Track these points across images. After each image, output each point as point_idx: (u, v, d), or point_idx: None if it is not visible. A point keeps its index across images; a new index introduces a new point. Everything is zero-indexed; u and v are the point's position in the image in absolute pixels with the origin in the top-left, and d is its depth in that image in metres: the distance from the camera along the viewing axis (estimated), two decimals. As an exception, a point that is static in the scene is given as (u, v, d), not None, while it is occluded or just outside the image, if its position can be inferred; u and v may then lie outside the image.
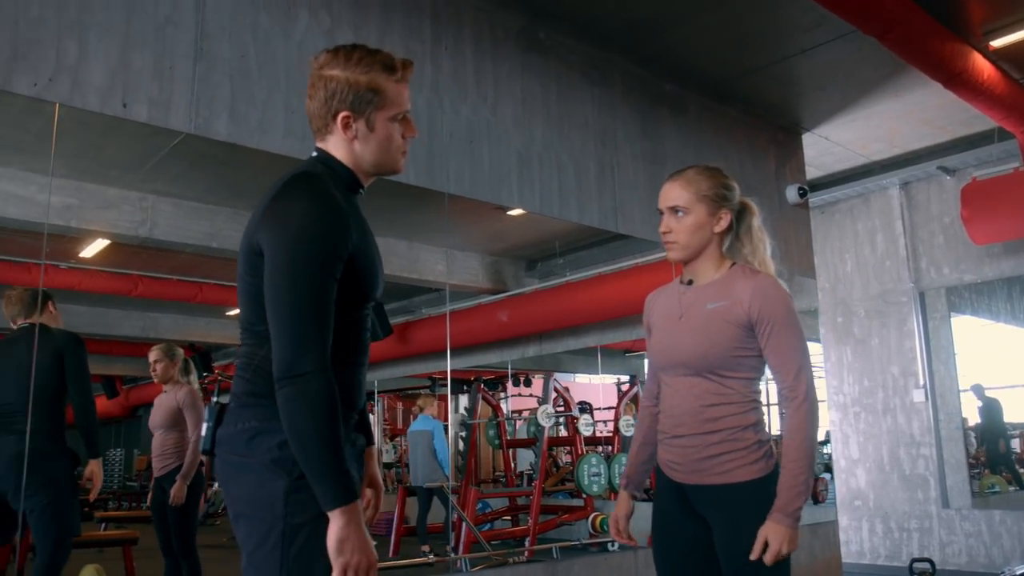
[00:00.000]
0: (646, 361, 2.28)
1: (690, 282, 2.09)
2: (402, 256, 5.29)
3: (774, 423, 2.80)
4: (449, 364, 4.22)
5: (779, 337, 1.93)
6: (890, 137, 5.75)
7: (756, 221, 2.10)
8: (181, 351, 4.63)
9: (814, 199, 6.45)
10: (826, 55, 4.45)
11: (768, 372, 2.02)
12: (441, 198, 3.60)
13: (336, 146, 1.62)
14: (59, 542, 3.37)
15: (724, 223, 2.05)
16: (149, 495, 4.66)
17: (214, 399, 4.15)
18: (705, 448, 1.96)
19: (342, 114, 1.57)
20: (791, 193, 5.31)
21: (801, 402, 1.90)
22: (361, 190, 1.66)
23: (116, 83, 2.67)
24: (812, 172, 6.15)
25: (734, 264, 2.07)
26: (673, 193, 2.06)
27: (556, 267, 6.43)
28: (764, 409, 2.03)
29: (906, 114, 5.34)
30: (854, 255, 6.62)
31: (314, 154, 1.64)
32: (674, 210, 2.05)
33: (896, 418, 6.27)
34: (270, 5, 3.07)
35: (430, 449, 7.37)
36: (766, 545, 1.86)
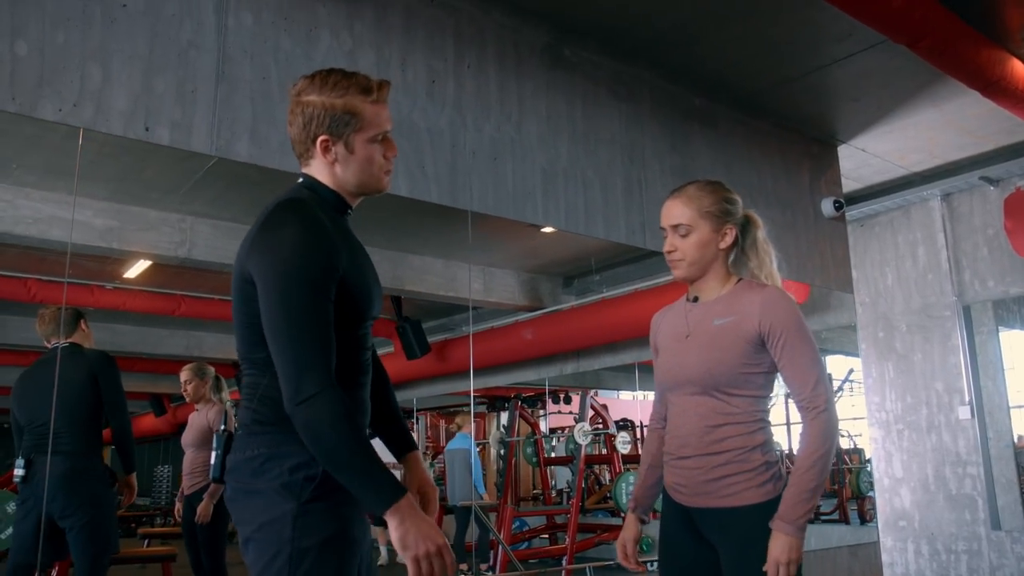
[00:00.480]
0: (655, 382, 2.22)
1: (696, 299, 2.06)
2: (438, 275, 5.32)
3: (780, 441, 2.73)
4: (472, 384, 4.21)
5: (792, 349, 1.90)
6: (930, 147, 5.61)
7: (761, 234, 2.08)
8: (212, 369, 4.70)
9: (852, 212, 6.32)
10: (859, 65, 4.36)
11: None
12: (476, 217, 3.61)
13: (319, 170, 1.64)
14: (97, 559, 3.44)
15: (729, 239, 2.03)
16: (176, 511, 4.73)
17: (222, 427, 4.21)
18: (711, 470, 1.92)
19: (321, 138, 1.60)
20: (827, 207, 5.21)
21: (819, 412, 1.86)
22: (349, 211, 1.67)
23: (139, 107, 2.72)
24: (850, 185, 6.03)
25: (740, 279, 2.04)
26: (675, 211, 2.05)
27: (592, 284, 6.40)
28: (772, 429, 1.97)
29: (945, 124, 5.21)
30: (895, 269, 6.46)
31: (300, 180, 1.66)
32: (677, 228, 2.03)
33: (941, 436, 6.08)
34: (292, 27, 3.11)
35: (467, 467, 7.37)
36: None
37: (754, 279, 2.05)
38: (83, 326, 3.67)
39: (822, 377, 1.90)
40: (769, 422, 1.97)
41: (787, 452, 7.33)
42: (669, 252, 2.05)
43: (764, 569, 1.81)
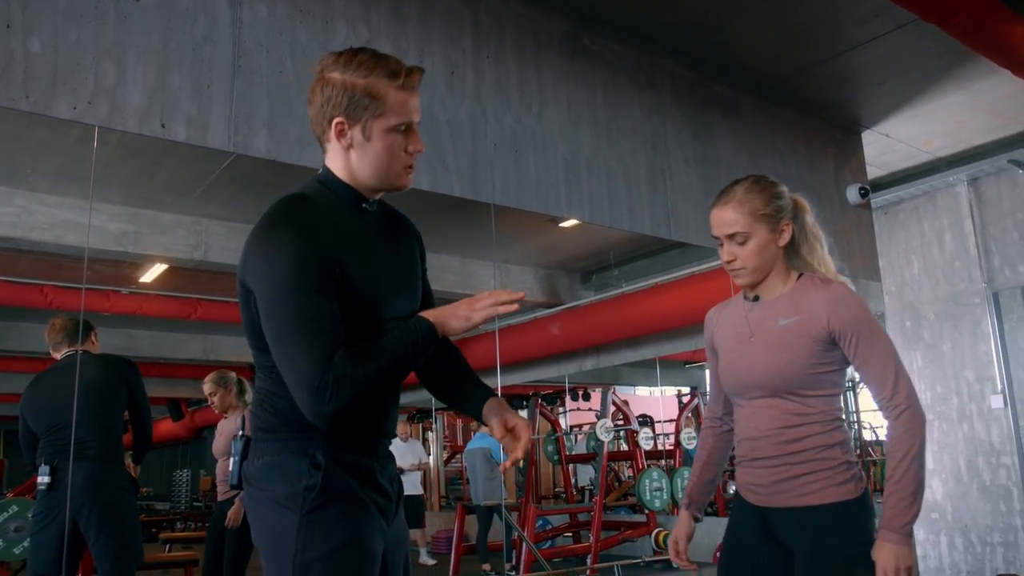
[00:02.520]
0: (708, 379, 2.15)
1: (756, 298, 1.97)
2: (456, 272, 5.25)
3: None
4: (500, 381, 4.13)
5: (868, 346, 1.82)
6: (956, 131, 5.50)
7: (810, 218, 1.99)
8: (233, 375, 4.65)
9: (877, 199, 6.21)
10: (884, 47, 4.26)
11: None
12: (491, 211, 3.54)
13: (334, 158, 1.53)
14: (123, 570, 3.38)
15: (787, 235, 1.94)
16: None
17: (240, 432, 4.16)
18: (788, 468, 1.84)
19: (336, 120, 1.48)
20: (852, 194, 5.11)
21: (903, 410, 1.80)
22: (366, 205, 1.55)
23: (154, 104, 2.66)
24: (874, 171, 5.92)
25: (801, 275, 1.95)
26: (728, 217, 1.93)
27: (612, 278, 6.32)
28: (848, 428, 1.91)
29: (973, 106, 5.09)
30: (921, 256, 6.34)
31: (318, 172, 1.56)
32: (733, 237, 1.92)
33: (973, 426, 5.96)
34: (308, 20, 3.04)
35: (488, 466, 7.30)
36: None
37: (813, 272, 1.96)
38: (93, 338, 3.62)
39: (901, 372, 1.84)
40: (844, 420, 1.92)
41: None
42: (729, 262, 1.94)
43: None
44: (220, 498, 4.60)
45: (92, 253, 3.81)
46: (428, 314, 1.45)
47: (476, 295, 1.46)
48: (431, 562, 7.19)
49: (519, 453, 1.50)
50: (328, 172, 1.54)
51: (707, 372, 2.14)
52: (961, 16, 3.50)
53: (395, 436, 1.65)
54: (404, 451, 7.37)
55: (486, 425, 1.57)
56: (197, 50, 2.78)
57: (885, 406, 1.83)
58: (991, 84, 4.73)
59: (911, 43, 4.22)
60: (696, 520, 2.13)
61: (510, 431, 1.54)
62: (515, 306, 1.43)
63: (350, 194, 1.53)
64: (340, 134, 1.48)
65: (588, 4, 3.79)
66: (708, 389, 2.17)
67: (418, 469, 7.49)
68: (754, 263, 1.92)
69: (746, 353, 1.94)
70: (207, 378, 4.67)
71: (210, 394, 4.64)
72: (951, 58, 4.40)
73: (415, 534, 7.33)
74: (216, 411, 4.70)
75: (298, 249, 1.39)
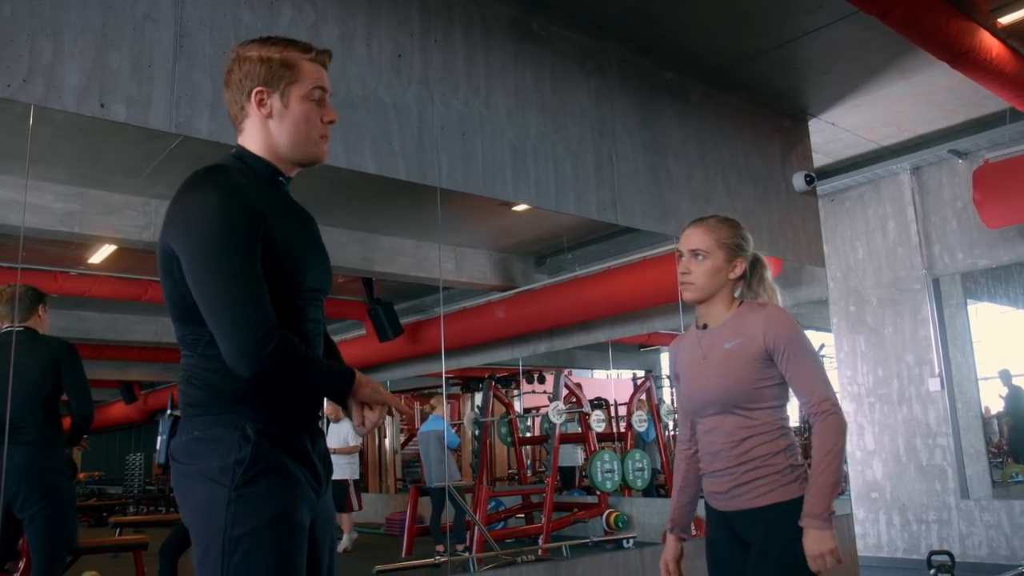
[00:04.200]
0: (677, 408, 2.39)
1: (705, 326, 2.20)
2: (409, 255, 5.25)
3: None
4: (444, 365, 4.16)
5: (797, 361, 2.04)
6: (899, 121, 5.62)
7: (768, 274, 2.24)
8: None
9: (823, 187, 6.33)
10: (829, 37, 4.35)
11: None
12: (446, 196, 3.55)
13: (252, 134, 1.58)
14: (57, 555, 3.34)
15: (739, 271, 2.18)
16: None
17: (168, 411, 4.12)
18: (741, 475, 2.07)
19: (256, 89, 1.55)
20: (798, 181, 5.21)
21: (828, 415, 2.00)
22: (281, 179, 1.61)
23: (93, 83, 2.63)
24: (820, 159, 6.04)
25: (741, 302, 2.19)
26: (696, 237, 2.18)
27: (565, 262, 6.36)
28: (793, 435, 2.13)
29: (915, 97, 5.22)
30: (865, 243, 6.50)
31: (232, 151, 1.60)
32: (695, 253, 2.17)
33: (912, 408, 6.15)
34: (252, 0, 3.02)
35: (441, 449, 7.33)
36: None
37: (754, 301, 2.20)
38: (40, 312, 3.51)
39: (826, 383, 2.05)
40: (789, 428, 2.12)
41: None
42: (683, 274, 2.18)
43: (811, 568, 1.94)
44: None
45: (37, 233, 3.74)
46: (359, 375, 1.52)
47: (397, 400, 1.58)
48: (347, 547, 7.19)
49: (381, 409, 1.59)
50: (243, 150, 1.59)
51: (677, 403, 2.34)
52: (900, 9, 3.59)
53: (322, 414, 1.67)
54: (333, 432, 7.35)
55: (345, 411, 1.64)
56: (138, 29, 2.75)
57: (812, 412, 2.03)
58: (931, 76, 4.85)
59: (854, 34, 4.31)
60: (683, 540, 2.31)
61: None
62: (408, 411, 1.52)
63: (267, 169, 1.58)
64: (260, 103, 1.55)
65: (537, -11, 3.81)
66: (678, 418, 2.40)
67: (348, 452, 7.45)
68: (703, 281, 2.15)
69: (700, 375, 2.16)
70: None
71: None
72: (893, 49, 4.50)
73: (339, 518, 7.32)
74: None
75: (226, 206, 1.42)
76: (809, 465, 2.06)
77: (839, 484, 2.00)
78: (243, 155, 1.58)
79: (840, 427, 2.00)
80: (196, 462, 1.46)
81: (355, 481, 7.61)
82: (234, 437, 1.44)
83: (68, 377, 3.44)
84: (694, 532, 2.53)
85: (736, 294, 2.21)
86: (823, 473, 1.97)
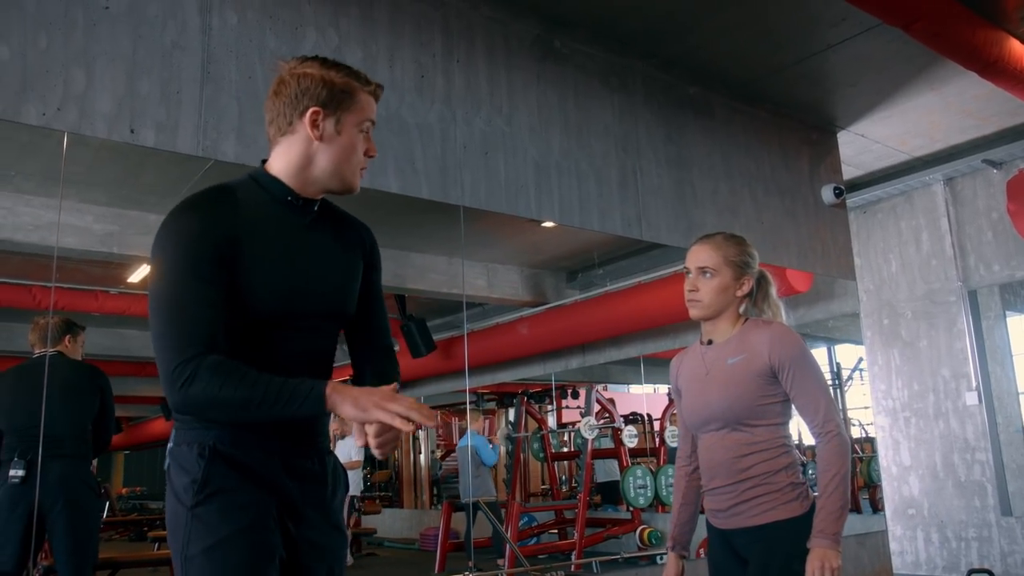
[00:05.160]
0: (678, 423, 2.39)
1: (710, 342, 2.20)
2: (441, 272, 5.30)
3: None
4: (467, 382, 4.19)
5: (802, 379, 2.04)
6: (930, 132, 5.56)
7: (773, 290, 2.24)
8: None
9: (854, 199, 6.27)
10: (855, 50, 4.32)
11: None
12: (477, 213, 3.60)
13: (286, 152, 1.55)
14: (83, 568, 3.46)
15: (746, 288, 2.18)
16: None
17: None
18: (741, 493, 2.06)
19: (312, 109, 1.51)
20: (827, 194, 5.17)
21: (832, 436, 2.00)
22: (291, 199, 1.56)
23: (123, 109, 2.72)
24: (851, 171, 5.98)
25: (747, 319, 2.18)
26: (703, 255, 2.19)
27: (596, 277, 6.37)
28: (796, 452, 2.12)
29: (946, 107, 5.15)
30: (898, 255, 6.41)
31: (249, 172, 1.59)
32: (703, 270, 2.17)
33: (949, 423, 6.03)
34: (277, 26, 3.10)
35: (475, 464, 7.35)
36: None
37: (760, 316, 2.20)
38: (67, 341, 3.68)
39: (830, 403, 2.04)
40: (791, 446, 2.11)
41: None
42: (690, 292, 2.18)
43: None
44: None
45: (77, 254, 3.86)
46: (334, 386, 1.37)
47: (398, 397, 1.37)
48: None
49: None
50: (260, 170, 1.57)
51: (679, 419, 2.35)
52: (923, 20, 3.56)
53: (324, 432, 1.60)
54: (339, 447, 7.40)
55: None
56: (166, 56, 2.84)
57: (817, 432, 2.03)
58: (961, 86, 4.79)
59: (880, 46, 4.28)
60: (683, 558, 2.30)
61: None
62: (414, 425, 1.34)
63: (278, 188, 1.54)
64: (313, 124, 1.51)
65: (559, 7, 3.85)
66: (679, 434, 2.39)
67: (350, 468, 7.46)
68: (710, 299, 2.15)
69: (703, 390, 2.16)
70: None
71: None
72: (921, 60, 4.46)
73: None
74: None
75: (190, 232, 1.41)
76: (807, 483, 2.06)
77: (847, 506, 1.99)
78: (258, 175, 1.56)
79: (844, 449, 1.99)
80: (171, 477, 1.47)
81: (356, 497, 7.65)
82: (193, 455, 1.44)
83: (105, 401, 3.63)
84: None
85: (741, 310, 2.20)
86: (831, 497, 1.96)
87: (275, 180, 1.55)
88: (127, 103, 2.73)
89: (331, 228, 1.64)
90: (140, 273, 5.08)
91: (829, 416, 2.01)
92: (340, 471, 1.63)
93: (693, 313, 2.20)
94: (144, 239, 4.28)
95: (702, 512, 2.26)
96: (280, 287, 1.50)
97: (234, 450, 1.45)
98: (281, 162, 1.56)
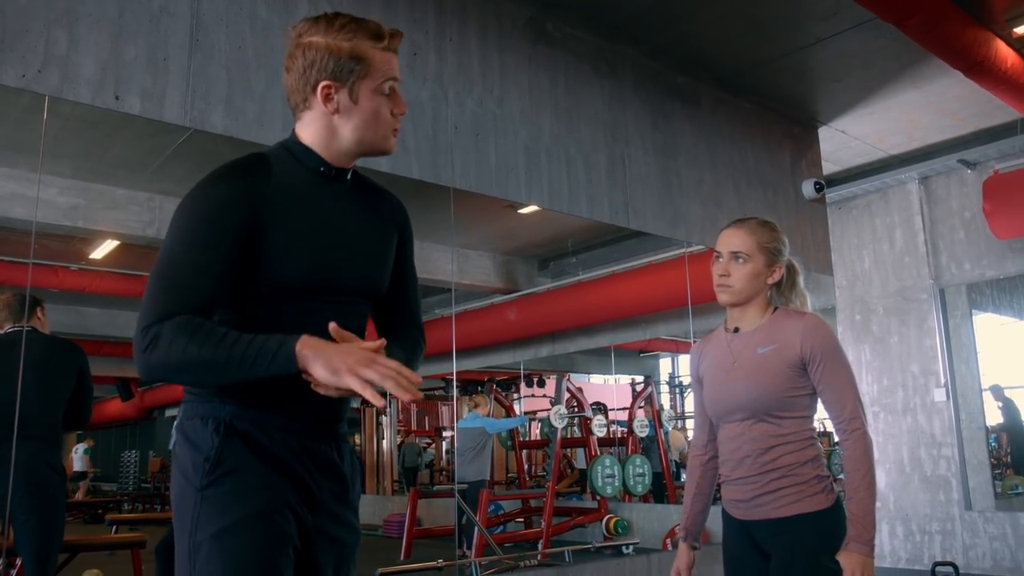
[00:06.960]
0: (694, 411, 2.31)
1: (736, 329, 2.14)
2: (416, 256, 5.22)
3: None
4: (455, 366, 4.12)
5: (831, 373, 2.00)
6: (909, 130, 5.61)
7: (801, 280, 2.18)
8: None
9: (831, 195, 6.31)
10: (842, 45, 4.33)
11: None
12: (449, 196, 3.52)
13: (310, 124, 1.46)
14: (51, 552, 3.32)
15: (777, 276, 2.12)
16: None
17: None
18: (765, 484, 2.01)
19: (322, 84, 1.41)
20: (807, 188, 5.19)
21: (860, 434, 1.96)
22: (324, 169, 1.47)
23: (108, 75, 2.59)
24: (829, 167, 6.02)
25: (776, 308, 2.13)
26: (737, 239, 2.13)
27: (569, 266, 6.34)
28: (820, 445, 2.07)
29: (926, 106, 5.20)
30: (872, 251, 6.48)
31: (283, 140, 1.50)
32: (735, 255, 2.11)
33: (917, 418, 6.12)
34: (268, -5, 2.99)
35: (475, 447, 7.26)
36: None
37: (788, 305, 2.15)
38: (39, 314, 3.52)
39: (858, 399, 2.00)
40: (817, 439, 2.07)
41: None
42: (721, 276, 2.12)
43: None
44: None
45: (40, 227, 3.71)
46: (307, 343, 1.25)
47: (378, 360, 1.25)
48: None
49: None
50: (292, 140, 1.48)
51: (698, 407, 2.29)
52: (918, 16, 3.57)
53: (338, 415, 1.49)
54: None
55: None
56: (153, 21, 2.72)
57: (842, 428, 1.99)
58: (943, 85, 4.83)
59: (868, 41, 4.29)
60: (695, 549, 2.25)
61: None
62: (408, 395, 1.24)
63: (310, 157, 1.46)
64: (326, 98, 1.42)
65: (552, -10, 3.79)
66: (695, 422, 2.34)
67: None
68: (742, 284, 2.09)
69: (729, 379, 2.10)
70: None
71: None
72: (906, 58, 4.48)
73: None
74: None
75: (216, 199, 1.34)
76: (834, 477, 2.02)
77: (875, 502, 1.98)
78: (290, 144, 1.48)
79: (869, 447, 1.97)
80: (178, 454, 1.37)
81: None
82: (208, 431, 1.34)
83: (82, 380, 3.48)
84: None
85: (768, 298, 2.15)
86: (862, 501, 1.93)
87: (307, 150, 1.46)
88: (112, 68, 2.61)
89: (365, 199, 1.56)
90: (104, 249, 4.91)
91: (855, 413, 1.97)
92: (357, 462, 1.54)
93: (723, 299, 2.13)
94: (111, 213, 4.16)
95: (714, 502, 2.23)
96: (312, 258, 1.40)
97: (252, 427, 1.35)
98: (307, 133, 1.47)
